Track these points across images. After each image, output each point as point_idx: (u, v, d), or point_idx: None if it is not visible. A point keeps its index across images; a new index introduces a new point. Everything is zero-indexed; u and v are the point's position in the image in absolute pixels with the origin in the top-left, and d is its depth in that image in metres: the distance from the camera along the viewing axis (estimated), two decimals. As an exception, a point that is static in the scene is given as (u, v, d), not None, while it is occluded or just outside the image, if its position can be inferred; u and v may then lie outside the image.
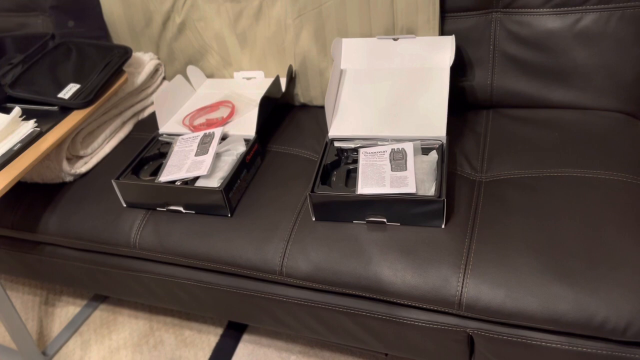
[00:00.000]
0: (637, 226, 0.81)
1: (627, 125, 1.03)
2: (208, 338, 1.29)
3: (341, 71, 1.14)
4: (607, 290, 0.75)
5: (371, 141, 1.02)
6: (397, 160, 0.94)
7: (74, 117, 1.07)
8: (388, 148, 0.97)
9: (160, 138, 1.15)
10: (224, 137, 1.10)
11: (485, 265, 0.81)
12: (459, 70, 1.14)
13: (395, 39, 1.10)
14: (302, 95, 1.26)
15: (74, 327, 1.37)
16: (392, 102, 1.06)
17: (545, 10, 1.04)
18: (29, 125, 1.03)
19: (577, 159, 0.95)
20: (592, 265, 0.77)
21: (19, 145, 0.99)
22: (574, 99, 1.08)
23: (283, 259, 0.92)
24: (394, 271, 0.85)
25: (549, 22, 1.04)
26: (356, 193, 0.89)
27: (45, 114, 1.08)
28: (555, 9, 1.03)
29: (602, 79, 1.05)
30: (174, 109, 1.22)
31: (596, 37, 1.02)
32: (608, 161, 0.93)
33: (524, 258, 0.80)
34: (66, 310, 1.42)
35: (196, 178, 1.01)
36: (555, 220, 0.84)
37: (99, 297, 1.45)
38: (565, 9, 1.03)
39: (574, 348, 0.79)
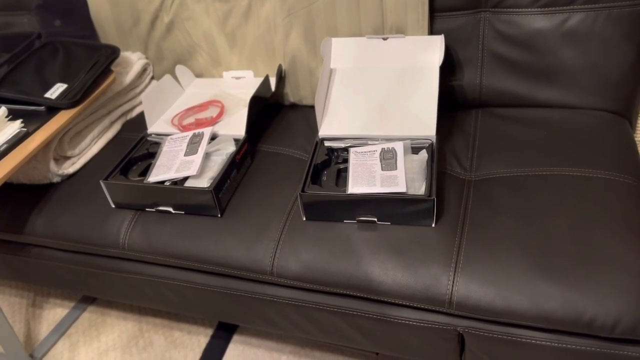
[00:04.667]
0: (624, 224, 0.82)
1: (614, 124, 1.04)
2: (198, 339, 1.28)
3: (331, 70, 1.14)
4: (595, 288, 0.76)
5: (361, 140, 1.02)
6: (387, 159, 0.94)
7: (61, 117, 1.06)
8: (378, 147, 0.97)
9: (149, 138, 1.14)
10: (213, 137, 1.09)
11: (475, 264, 0.82)
12: (448, 69, 1.14)
13: (384, 39, 1.11)
14: (292, 94, 1.25)
15: (62, 329, 1.36)
16: (382, 102, 1.06)
17: (533, 10, 1.05)
18: (15, 126, 1.02)
19: (565, 158, 0.96)
20: (580, 263, 0.78)
21: (5, 145, 0.98)
22: (561, 98, 1.09)
23: (273, 259, 0.92)
24: (385, 270, 0.85)
25: (537, 21, 1.05)
26: (347, 192, 0.89)
27: (32, 114, 1.06)
28: (543, 9, 1.04)
29: (589, 78, 1.06)
30: (163, 108, 1.21)
31: (583, 36, 1.03)
32: (596, 160, 0.94)
33: (513, 256, 0.81)
34: (54, 313, 1.41)
35: (185, 178, 1.00)
36: (543, 219, 0.85)
37: (87, 299, 1.43)
38: (553, 8, 1.03)
39: (563, 345, 0.80)
